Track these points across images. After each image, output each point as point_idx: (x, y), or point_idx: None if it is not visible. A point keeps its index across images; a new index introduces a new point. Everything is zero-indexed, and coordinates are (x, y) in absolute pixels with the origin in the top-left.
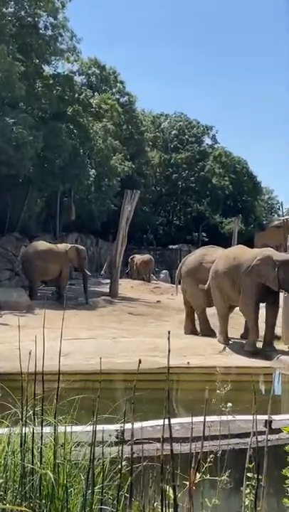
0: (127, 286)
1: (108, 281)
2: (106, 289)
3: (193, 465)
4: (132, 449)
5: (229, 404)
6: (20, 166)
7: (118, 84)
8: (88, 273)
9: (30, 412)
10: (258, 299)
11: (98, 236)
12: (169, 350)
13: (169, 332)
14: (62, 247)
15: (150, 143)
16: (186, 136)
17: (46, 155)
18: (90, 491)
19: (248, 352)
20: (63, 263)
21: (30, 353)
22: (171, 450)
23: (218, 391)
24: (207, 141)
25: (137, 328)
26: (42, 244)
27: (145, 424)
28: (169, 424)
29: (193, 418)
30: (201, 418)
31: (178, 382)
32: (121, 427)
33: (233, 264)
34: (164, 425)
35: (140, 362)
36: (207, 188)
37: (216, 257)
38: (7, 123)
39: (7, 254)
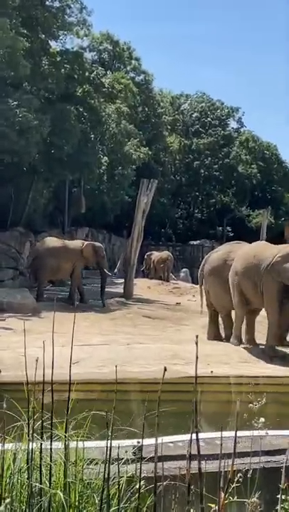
0: (143, 287)
1: (122, 280)
2: (120, 290)
3: (221, 485)
4: (155, 467)
5: (262, 420)
6: (25, 154)
7: (133, 62)
8: (108, 273)
9: (38, 426)
10: (282, 298)
11: (111, 231)
12: (197, 357)
13: (197, 336)
14: (76, 244)
15: (169, 127)
16: (209, 119)
17: (53, 141)
18: None
19: (272, 357)
20: (77, 261)
21: (37, 361)
22: (200, 468)
23: (250, 405)
24: (232, 124)
25: (154, 334)
26: (54, 241)
27: (166, 439)
28: (197, 439)
29: (220, 433)
30: (228, 433)
31: (201, 394)
32: (138, 442)
33: (253, 263)
34: (190, 440)
35: (165, 370)
36: (232, 177)
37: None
38: (10, 105)
39: (10, 251)
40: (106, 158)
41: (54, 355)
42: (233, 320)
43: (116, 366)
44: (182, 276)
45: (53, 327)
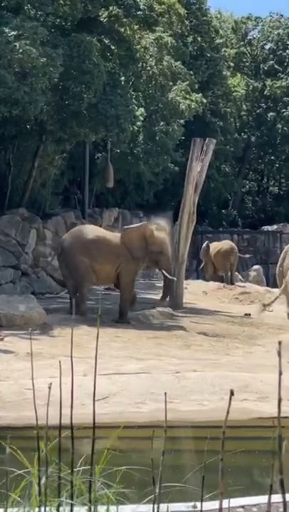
0: (196, 292)
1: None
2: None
3: None
4: None
5: None
6: (28, 105)
7: None
8: (172, 277)
9: (52, 484)
10: None
11: (150, 212)
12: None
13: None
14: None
15: (231, 64)
16: None
17: (68, 86)
18: None
19: None
20: (124, 261)
21: (49, 396)
22: None
23: None
24: None
25: (213, 358)
26: (94, 230)
27: (234, 502)
28: (284, 502)
29: None
30: None
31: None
32: (195, 506)
33: None
34: (269, 504)
35: (230, 405)
36: None
37: None
38: (6, 37)
39: (8, 242)
40: (142, 109)
41: (73, 388)
42: None
43: (165, 403)
44: (253, 276)
45: (71, 349)
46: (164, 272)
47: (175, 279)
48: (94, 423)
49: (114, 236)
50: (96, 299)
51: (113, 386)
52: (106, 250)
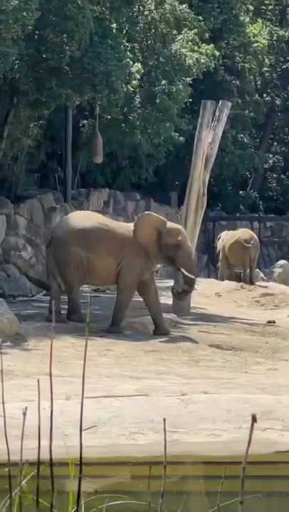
0: (208, 293)
1: (170, 283)
2: (167, 300)
3: None
4: None
5: None
6: None
7: None
8: (192, 276)
9: None
10: None
11: (149, 194)
12: None
13: None
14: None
15: (250, 7)
16: None
17: (45, 36)
18: None
19: None
20: (127, 256)
21: (24, 424)
22: None
23: None
24: None
25: (227, 376)
26: (92, 216)
27: None
28: None
29: None
30: None
31: None
32: None
33: None
34: None
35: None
36: None
37: None
38: None
39: None
40: (139, 65)
41: (54, 415)
42: None
43: (164, 432)
44: (278, 273)
45: (50, 365)
46: (183, 270)
47: (193, 276)
48: (81, 458)
49: (119, 225)
50: (83, 303)
51: (103, 412)
52: (108, 240)
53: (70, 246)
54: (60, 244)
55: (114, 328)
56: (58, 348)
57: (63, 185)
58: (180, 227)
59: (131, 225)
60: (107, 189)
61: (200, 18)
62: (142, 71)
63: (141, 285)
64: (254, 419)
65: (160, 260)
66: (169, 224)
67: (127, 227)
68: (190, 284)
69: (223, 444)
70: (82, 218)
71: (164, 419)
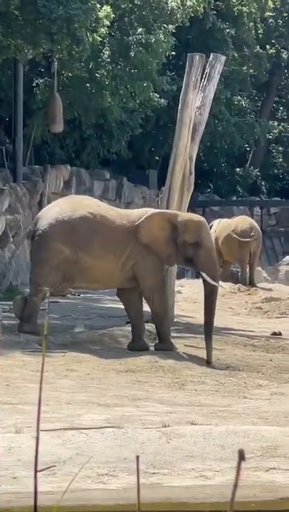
0: (196, 297)
1: None
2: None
3: None
4: None
5: None
6: None
7: None
8: (215, 283)
9: None
10: None
11: (122, 172)
12: None
13: None
14: (137, 214)
15: None
16: None
17: None
18: None
19: None
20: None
21: None
22: None
23: None
24: None
25: (220, 403)
26: (89, 206)
27: None
28: None
29: None
30: None
31: None
32: None
33: None
34: None
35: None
36: None
37: None
38: None
39: None
40: (108, 9)
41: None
42: None
43: (139, 474)
44: (284, 272)
45: None
46: (204, 274)
47: (218, 285)
48: (35, 507)
49: (121, 215)
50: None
51: (63, 449)
52: (105, 235)
53: (53, 241)
54: (40, 238)
55: (164, 345)
56: (5, 367)
57: (12, 161)
58: (200, 218)
59: (139, 212)
60: (69, 166)
61: None
62: (113, 16)
63: (123, 290)
64: (241, 457)
65: (177, 262)
66: (184, 215)
67: (132, 217)
68: (210, 293)
69: (215, 489)
70: (73, 206)
71: (137, 457)
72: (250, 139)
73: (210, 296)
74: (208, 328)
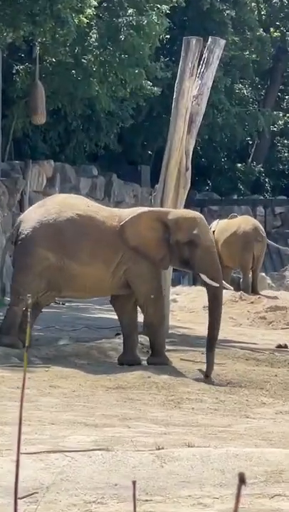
0: (193, 307)
1: None
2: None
3: None
4: None
5: None
6: None
7: None
8: (216, 284)
9: None
10: None
11: (110, 168)
12: None
13: None
14: (128, 213)
15: None
16: None
17: None
18: None
19: None
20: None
21: None
22: None
23: None
24: None
25: (222, 423)
26: (77, 206)
27: None
28: None
29: None
30: None
31: None
32: None
33: None
34: None
35: (238, 501)
36: None
37: None
38: None
39: None
40: None
41: None
42: None
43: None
44: None
45: None
46: (203, 276)
47: (218, 285)
48: None
49: (112, 216)
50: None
51: (46, 474)
52: (94, 240)
53: (36, 246)
54: (23, 242)
55: (158, 359)
56: None
57: None
58: (195, 214)
59: (130, 212)
60: (52, 161)
61: None
62: None
63: (117, 297)
64: (242, 480)
65: (172, 264)
66: (176, 212)
67: (124, 217)
68: (213, 298)
69: None
70: (59, 207)
71: (134, 482)
72: (253, 131)
73: (213, 301)
74: (211, 339)
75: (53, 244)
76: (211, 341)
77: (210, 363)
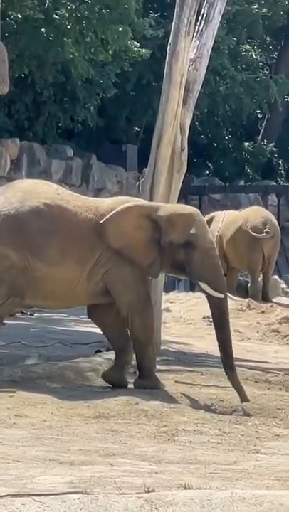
0: (191, 317)
1: None
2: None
3: None
4: None
5: None
6: None
7: None
8: (219, 295)
9: None
10: None
11: (89, 149)
12: None
13: None
14: (109, 205)
15: None
16: None
17: None
18: None
19: None
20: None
21: None
22: None
23: None
24: None
25: (227, 459)
26: (43, 194)
27: None
28: None
29: None
30: None
31: None
32: None
33: None
34: None
35: None
36: None
37: None
38: None
39: None
40: None
41: None
42: None
43: None
44: None
45: None
46: (204, 285)
47: (222, 295)
48: None
49: (88, 206)
50: None
51: None
52: (65, 235)
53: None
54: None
55: (146, 381)
56: None
57: None
58: (191, 209)
59: (112, 203)
60: (18, 140)
61: None
62: None
63: (95, 307)
64: None
65: (164, 270)
66: (168, 208)
67: (103, 209)
68: (217, 311)
69: None
70: (22, 195)
71: None
72: (264, 102)
73: (218, 315)
74: (226, 359)
75: (15, 240)
76: (228, 361)
77: (237, 384)
